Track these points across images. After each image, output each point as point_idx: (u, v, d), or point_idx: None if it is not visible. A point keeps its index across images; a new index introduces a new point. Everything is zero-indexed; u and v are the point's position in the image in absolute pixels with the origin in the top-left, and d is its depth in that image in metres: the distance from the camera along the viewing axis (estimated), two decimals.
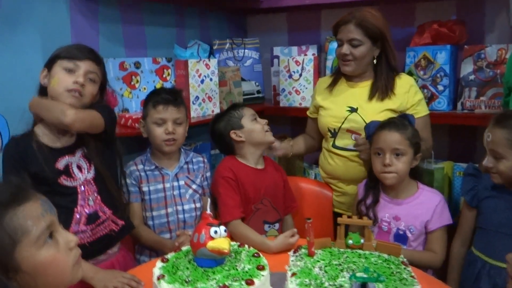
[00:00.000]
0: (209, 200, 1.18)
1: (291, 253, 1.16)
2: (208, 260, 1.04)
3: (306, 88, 2.25)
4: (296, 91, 2.28)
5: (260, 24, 2.67)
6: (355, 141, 1.64)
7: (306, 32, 2.52)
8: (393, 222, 1.48)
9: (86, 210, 1.29)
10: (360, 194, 1.58)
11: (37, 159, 1.23)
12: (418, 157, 1.49)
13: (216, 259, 1.04)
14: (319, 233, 1.23)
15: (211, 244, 1.01)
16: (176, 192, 1.57)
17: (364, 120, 1.64)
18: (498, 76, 1.83)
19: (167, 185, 1.56)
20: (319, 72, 2.28)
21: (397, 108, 1.64)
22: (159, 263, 1.07)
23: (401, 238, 1.46)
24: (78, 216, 1.28)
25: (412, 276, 1.03)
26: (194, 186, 1.60)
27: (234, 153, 1.62)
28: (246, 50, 2.45)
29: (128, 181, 1.54)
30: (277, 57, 2.40)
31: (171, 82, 2.04)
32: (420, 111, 1.68)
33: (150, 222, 1.55)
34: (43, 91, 1.31)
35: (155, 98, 1.53)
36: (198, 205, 1.60)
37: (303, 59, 2.25)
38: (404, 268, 1.07)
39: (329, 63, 2.26)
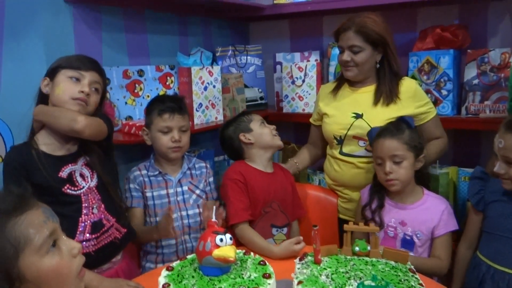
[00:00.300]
0: (214, 207, 1.17)
1: (297, 260, 1.15)
2: (214, 268, 1.03)
3: (309, 94, 2.25)
4: (299, 97, 2.28)
5: (263, 31, 2.68)
6: None
7: (309, 38, 2.52)
8: (399, 227, 1.46)
9: (91, 219, 1.29)
10: (364, 199, 1.57)
11: (40, 168, 1.23)
12: (421, 158, 1.47)
13: (222, 267, 1.03)
14: (324, 239, 1.22)
15: (216, 252, 1.01)
16: (180, 198, 1.57)
17: (369, 125, 1.63)
18: (502, 80, 1.82)
19: (171, 190, 1.56)
20: (322, 78, 2.28)
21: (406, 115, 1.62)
22: (164, 272, 1.07)
23: (408, 243, 1.45)
24: (83, 225, 1.27)
25: (420, 284, 1.02)
26: (197, 191, 1.60)
27: (243, 158, 1.63)
28: (248, 57, 2.46)
29: (131, 186, 1.54)
30: (280, 63, 2.41)
31: (174, 90, 2.04)
32: (431, 112, 1.68)
33: None
34: (43, 99, 1.31)
35: (160, 106, 1.53)
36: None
37: (306, 65, 2.25)
38: (412, 276, 1.06)
39: (331, 69, 2.26)
